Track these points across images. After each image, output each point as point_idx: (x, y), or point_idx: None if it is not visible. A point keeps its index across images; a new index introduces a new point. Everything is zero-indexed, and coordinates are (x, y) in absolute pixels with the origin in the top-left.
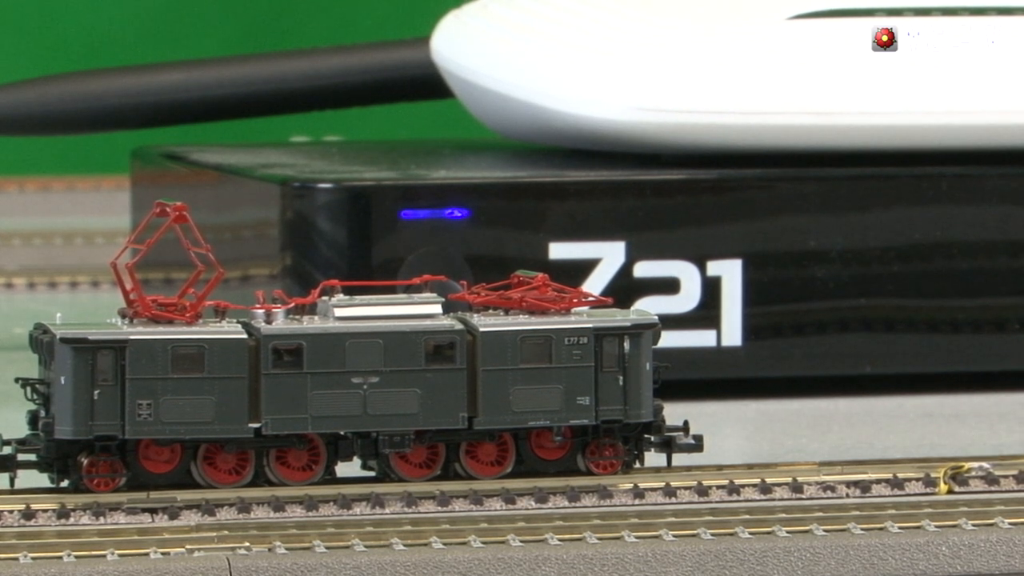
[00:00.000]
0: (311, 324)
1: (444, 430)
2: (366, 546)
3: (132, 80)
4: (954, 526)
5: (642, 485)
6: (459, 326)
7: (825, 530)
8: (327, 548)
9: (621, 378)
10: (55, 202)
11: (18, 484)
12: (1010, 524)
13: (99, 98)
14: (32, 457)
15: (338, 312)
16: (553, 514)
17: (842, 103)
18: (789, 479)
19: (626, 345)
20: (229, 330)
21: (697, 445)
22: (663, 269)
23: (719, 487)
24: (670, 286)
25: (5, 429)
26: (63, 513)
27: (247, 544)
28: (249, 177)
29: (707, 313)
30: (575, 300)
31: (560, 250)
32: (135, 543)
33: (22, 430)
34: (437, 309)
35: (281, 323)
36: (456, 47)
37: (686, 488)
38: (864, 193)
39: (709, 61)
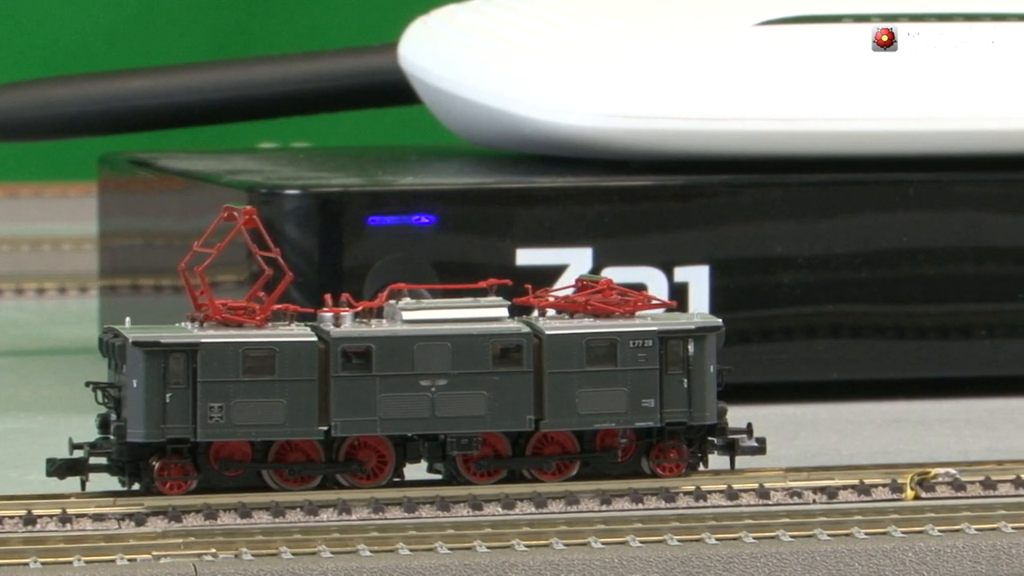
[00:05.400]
0: (379, 327)
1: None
2: (332, 552)
3: (99, 86)
4: (920, 532)
5: (609, 491)
6: (526, 329)
7: (791, 536)
8: (293, 554)
9: (685, 380)
10: (22, 208)
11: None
12: (976, 530)
13: (66, 104)
14: (103, 461)
15: (406, 315)
16: (520, 520)
17: (809, 109)
18: (755, 485)
19: (690, 348)
20: (299, 333)
21: (760, 448)
22: (630, 275)
23: (685, 493)
24: None
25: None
26: (29, 520)
27: (213, 550)
28: (216, 183)
29: None
30: (639, 303)
31: (527, 256)
32: (101, 550)
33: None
34: (503, 312)
35: (349, 326)
36: (424, 53)
37: (652, 494)
38: (831, 199)
39: (676, 67)
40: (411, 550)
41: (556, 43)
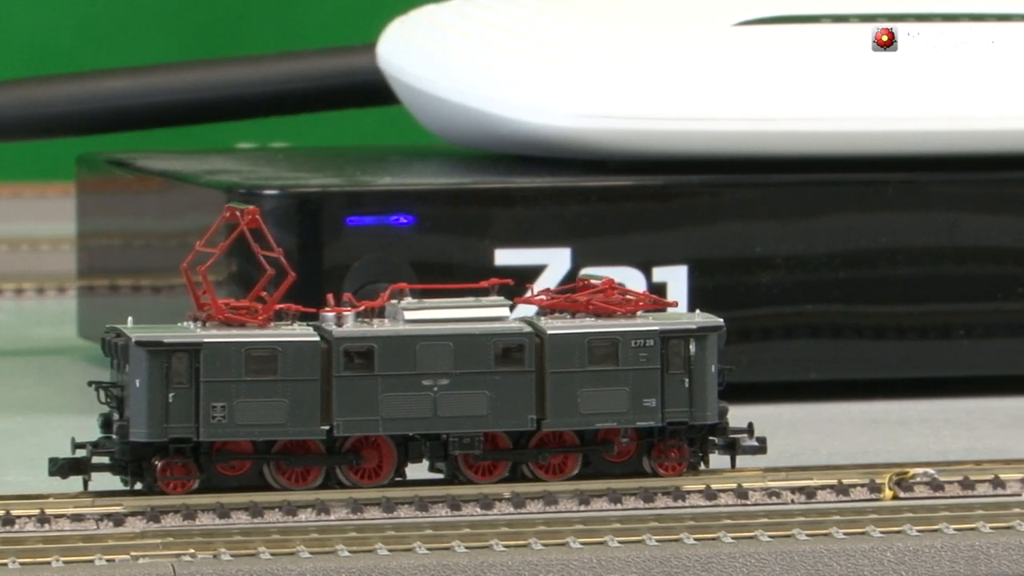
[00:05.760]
0: (382, 327)
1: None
2: (311, 552)
3: (78, 86)
4: (899, 532)
5: (587, 491)
6: (527, 329)
7: (770, 536)
8: (272, 555)
9: (687, 380)
10: (0, 208)
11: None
12: (954, 530)
13: (45, 104)
14: (105, 460)
15: (408, 315)
16: (499, 520)
17: (788, 109)
18: (734, 485)
19: (692, 347)
20: (301, 333)
21: (761, 447)
22: (609, 275)
23: (664, 493)
24: None
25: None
26: (8, 520)
27: (192, 551)
28: (195, 183)
29: None
30: (640, 303)
31: (506, 256)
32: (80, 550)
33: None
34: (505, 312)
35: (352, 326)
36: (402, 53)
37: (630, 494)
38: (810, 199)
39: (655, 68)
40: (389, 550)
41: (535, 43)
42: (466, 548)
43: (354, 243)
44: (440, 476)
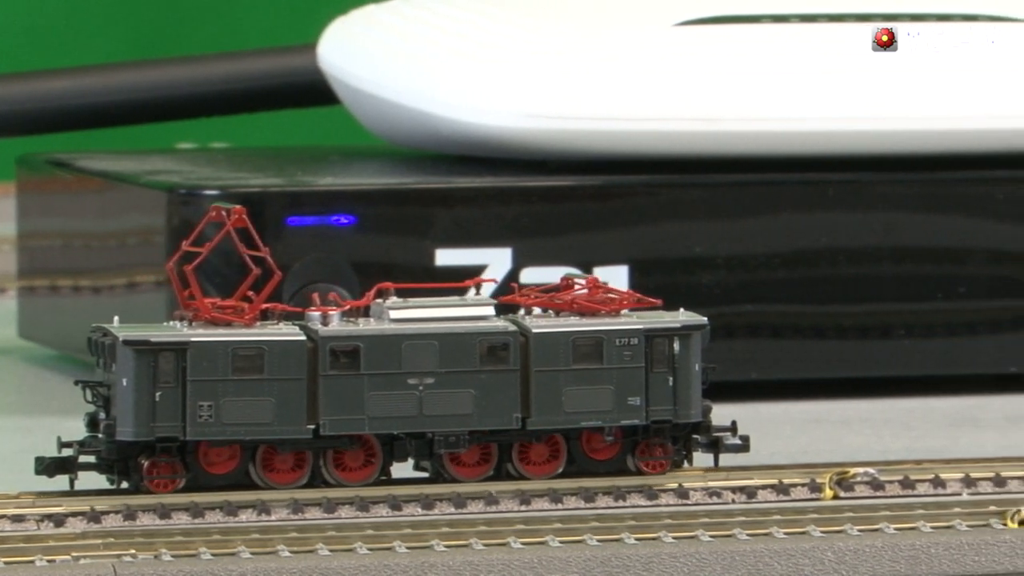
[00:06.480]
0: (367, 326)
1: (497, 430)
2: (252, 553)
3: (17, 87)
4: (839, 532)
5: (528, 491)
6: (512, 327)
7: (711, 536)
8: (213, 555)
9: (671, 378)
10: None
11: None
12: (895, 529)
13: None
14: (92, 459)
15: (393, 314)
16: (439, 520)
17: (727, 110)
18: (675, 485)
19: (676, 346)
20: (288, 332)
21: (744, 445)
22: (549, 275)
23: (605, 493)
24: None
25: None
26: None
27: (133, 551)
28: (135, 184)
29: None
30: (624, 302)
31: (446, 256)
32: (20, 551)
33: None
34: (490, 311)
35: (337, 325)
36: (342, 53)
37: (571, 494)
38: (750, 199)
39: (595, 67)
40: (331, 550)
41: (474, 43)
42: (407, 548)
43: (295, 243)
44: (425, 475)
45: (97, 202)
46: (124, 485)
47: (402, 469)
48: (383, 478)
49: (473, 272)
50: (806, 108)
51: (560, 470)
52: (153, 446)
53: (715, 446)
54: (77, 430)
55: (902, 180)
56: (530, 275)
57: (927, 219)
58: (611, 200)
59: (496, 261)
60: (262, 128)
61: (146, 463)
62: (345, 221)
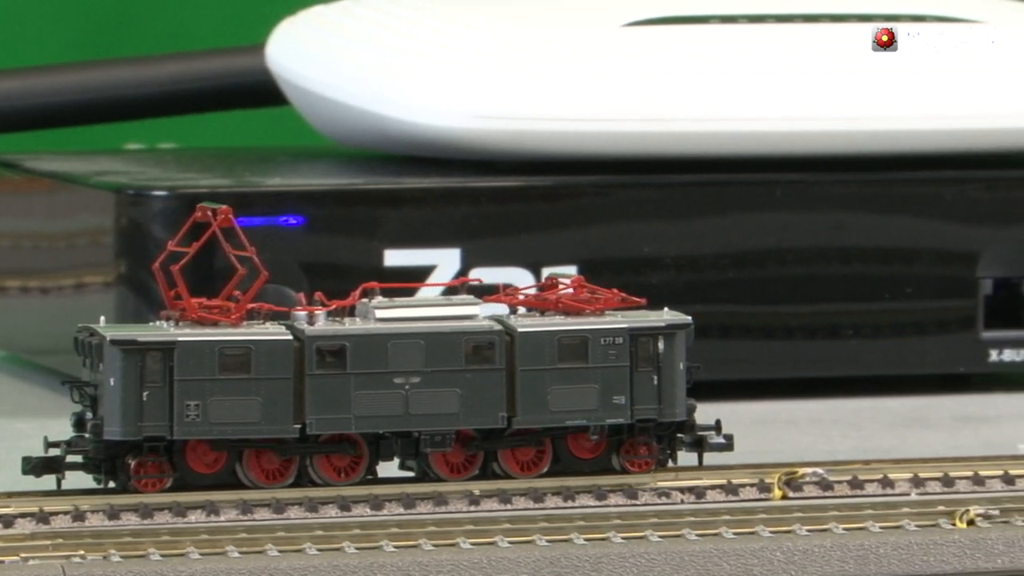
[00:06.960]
0: (354, 326)
1: (483, 430)
2: (201, 554)
3: None
4: (788, 532)
5: (477, 492)
6: (497, 327)
7: (660, 536)
8: (162, 556)
9: (656, 377)
10: None
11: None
12: (844, 529)
13: None
14: (79, 459)
15: (379, 313)
16: (389, 521)
17: (676, 110)
18: (624, 485)
19: (660, 345)
20: (274, 332)
21: (728, 444)
22: (498, 276)
23: (554, 493)
24: None
25: None
26: None
27: (82, 552)
28: (84, 184)
29: None
30: (609, 301)
31: (395, 257)
32: None
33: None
34: (476, 310)
35: (323, 324)
36: (291, 54)
37: (520, 495)
38: (699, 200)
39: (544, 68)
40: (280, 551)
41: (422, 44)
42: (356, 549)
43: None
44: (411, 474)
45: (45, 203)
46: (112, 485)
47: (387, 468)
48: (369, 477)
49: (422, 273)
50: (754, 108)
51: (545, 469)
52: (140, 446)
53: (699, 445)
54: (28, 431)
55: (850, 180)
56: (479, 275)
57: (875, 219)
58: (560, 200)
59: (445, 262)
60: (210, 129)
61: (133, 463)
62: (293, 222)
